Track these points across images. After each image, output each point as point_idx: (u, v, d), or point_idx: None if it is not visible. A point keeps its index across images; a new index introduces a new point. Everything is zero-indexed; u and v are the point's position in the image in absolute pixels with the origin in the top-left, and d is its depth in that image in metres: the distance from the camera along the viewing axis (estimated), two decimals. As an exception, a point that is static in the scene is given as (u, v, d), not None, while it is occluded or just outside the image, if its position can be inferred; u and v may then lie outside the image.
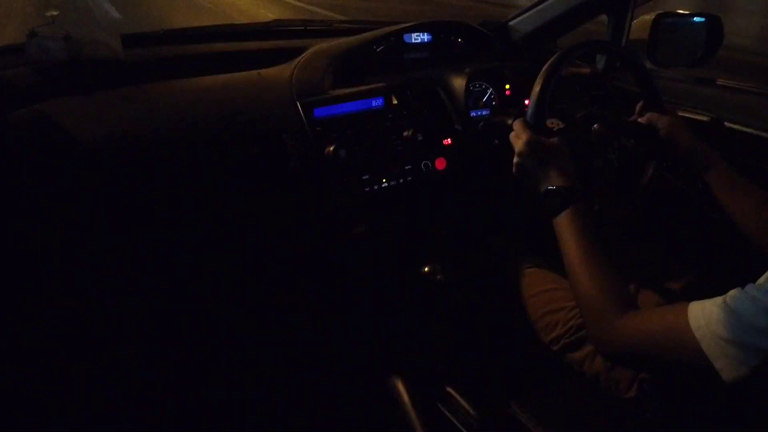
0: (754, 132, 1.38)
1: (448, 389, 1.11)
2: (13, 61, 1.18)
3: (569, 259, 0.91)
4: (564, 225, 0.93)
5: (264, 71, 1.34)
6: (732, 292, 0.70)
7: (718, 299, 0.70)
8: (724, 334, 0.66)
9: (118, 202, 1.07)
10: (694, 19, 1.47)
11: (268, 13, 8.60)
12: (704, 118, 1.46)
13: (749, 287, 0.69)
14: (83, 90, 1.15)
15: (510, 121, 1.39)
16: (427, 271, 1.31)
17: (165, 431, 1.26)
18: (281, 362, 1.41)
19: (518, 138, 1.04)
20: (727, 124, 1.43)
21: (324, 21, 1.74)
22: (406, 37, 1.50)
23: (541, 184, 0.99)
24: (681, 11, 1.45)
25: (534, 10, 1.63)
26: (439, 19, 1.56)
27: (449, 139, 1.38)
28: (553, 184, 0.96)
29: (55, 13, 1.15)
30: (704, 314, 0.69)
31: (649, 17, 1.37)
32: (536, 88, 1.11)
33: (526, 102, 1.46)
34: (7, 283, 0.99)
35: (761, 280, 0.70)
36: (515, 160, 1.04)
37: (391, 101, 1.34)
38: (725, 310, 0.68)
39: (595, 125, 1.13)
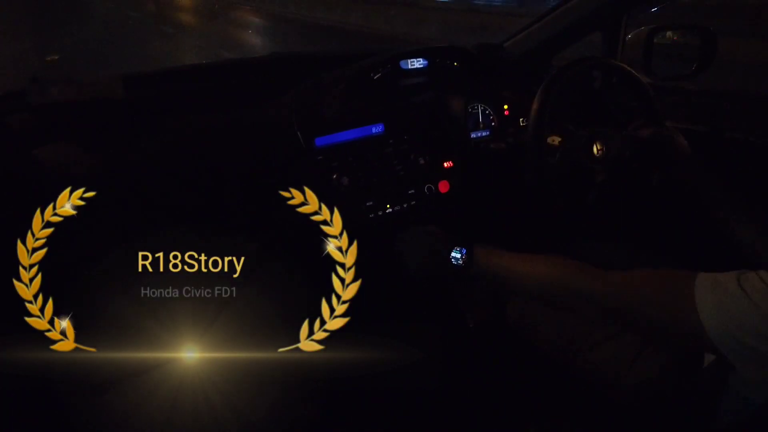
0: (755, 141, 1.38)
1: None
2: (15, 107, 1.19)
3: (538, 280, 0.94)
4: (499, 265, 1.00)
5: (265, 103, 1.35)
6: (749, 275, 0.61)
7: (731, 278, 0.62)
8: (742, 334, 0.59)
9: (126, 240, 1.07)
10: (687, 31, 1.48)
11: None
12: (703, 130, 1.46)
13: (763, 273, 0.61)
14: (86, 131, 1.16)
15: (510, 141, 1.40)
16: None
17: None
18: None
19: None
20: (727, 134, 1.43)
21: (320, 51, 1.76)
22: (402, 63, 1.51)
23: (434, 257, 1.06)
24: (674, 24, 1.46)
25: (527, 30, 1.64)
26: (434, 45, 1.58)
27: (451, 162, 1.39)
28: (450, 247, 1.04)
29: (55, 57, 1.17)
30: (713, 294, 0.62)
31: (642, 32, 1.38)
32: (535, 107, 1.11)
33: (526, 121, 1.47)
34: None
35: None
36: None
37: (391, 127, 1.34)
38: (740, 298, 0.59)
39: (596, 141, 1.14)
